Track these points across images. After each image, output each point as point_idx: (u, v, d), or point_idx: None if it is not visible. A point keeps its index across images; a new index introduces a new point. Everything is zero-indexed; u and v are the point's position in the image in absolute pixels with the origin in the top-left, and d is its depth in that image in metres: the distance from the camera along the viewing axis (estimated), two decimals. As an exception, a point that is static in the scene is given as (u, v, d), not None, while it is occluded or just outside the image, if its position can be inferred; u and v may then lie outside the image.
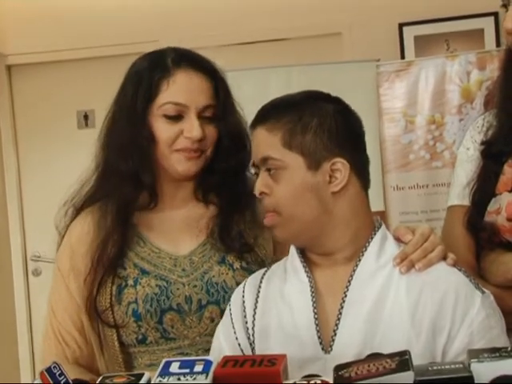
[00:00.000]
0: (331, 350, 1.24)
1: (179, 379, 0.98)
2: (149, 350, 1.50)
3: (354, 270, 1.28)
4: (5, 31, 4.18)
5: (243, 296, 1.36)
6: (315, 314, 1.27)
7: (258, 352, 1.30)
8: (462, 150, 1.58)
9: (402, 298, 1.24)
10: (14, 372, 4.10)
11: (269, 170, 1.29)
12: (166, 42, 1.59)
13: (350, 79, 3.26)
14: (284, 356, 1.03)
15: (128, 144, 1.48)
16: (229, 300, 1.44)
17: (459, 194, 1.54)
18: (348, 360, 1.04)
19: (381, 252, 1.29)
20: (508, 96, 1.49)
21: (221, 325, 1.39)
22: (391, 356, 0.98)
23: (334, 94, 1.35)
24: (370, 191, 1.34)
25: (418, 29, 3.79)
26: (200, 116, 1.48)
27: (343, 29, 3.92)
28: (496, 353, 0.96)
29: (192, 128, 1.46)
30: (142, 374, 1.02)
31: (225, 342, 1.34)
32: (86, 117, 4.22)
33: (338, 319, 1.25)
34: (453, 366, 0.95)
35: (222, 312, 1.44)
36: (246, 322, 1.33)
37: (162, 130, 1.47)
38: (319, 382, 0.97)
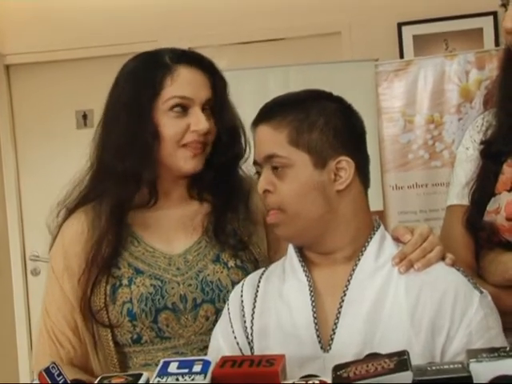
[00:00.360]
0: (330, 348, 1.24)
1: (177, 379, 0.98)
2: (144, 350, 1.49)
3: (354, 270, 1.28)
4: (4, 31, 4.18)
5: (241, 296, 1.36)
6: (314, 313, 1.27)
7: (256, 351, 1.30)
8: (462, 150, 1.58)
9: (401, 297, 1.24)
10: (13, 372, 4.10)
11: (274, 167, 1.29)
12: (165, 42, 1.59)
13: (348, 79, 3.26)
14: (282, 356, 1.03)
15: (129, 142, 1.47)
16: (224, 298, 1.44)
17: (458, 194, 1.54)
18: (347, 359, 1.04)
19: (380, 252, 1.29)
20: (507, 95, 1.49)
21: (218, 324, 1.39)
22: (390, 356, 0.98)
23: (333, 93, 1.36)
24: (369, 190, 1.35)
25: (417, 28, 3.79)
26: (202, 110, 1.49)
27: (342, 28, 3.92)
28: (495, 353, 0.96)
29: (198, 121, 1.47)
30: (141, 375, 1.02)
31: (223, 342, 1.34)
32: (84, 116, 4.22)
33: (337, 318, 1.25)
34: (452, 366, 0.95)
35: (217, 310, 1.44)
36: (245, 322, 1.33)
37: (170, 125, 1.47)
38: (317, 382, 0.97)
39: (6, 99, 4.25)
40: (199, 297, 1.48)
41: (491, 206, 1.46)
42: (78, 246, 1.51)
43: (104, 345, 1.51)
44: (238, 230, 1.52)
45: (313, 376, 1.06)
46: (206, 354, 1.40)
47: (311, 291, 1.29)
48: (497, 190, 1.46)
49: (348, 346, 1.23)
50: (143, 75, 1.49)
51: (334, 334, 1.25)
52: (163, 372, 1.00)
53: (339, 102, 1.34)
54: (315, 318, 1.26)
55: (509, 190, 1.45)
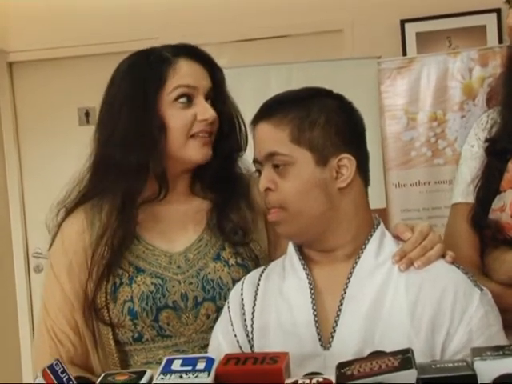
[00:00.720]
0: (330, 346, 1.24)
1: (181, 377, 0.98)
2: (145, 348, 1.49)
3: (354, 268, 1.28)
4: (7, 28, 4.18)
5: (242, 294, 1.36)
6: (314, 311, 1.27)
7: (256, 349, 1.30)
8: (466, 148, 1.58)
9: (401, 295, 1.24)
10: (16, 369, 4.10)
11: (275, 165, 1.28)
12: (166, 40, 1.59)
13: (351, 76, 3.25)
14: (286, 354, 1.03)
15: (136, 137, 1.46)
16: (225, 296, 1.44)
17: (463, 192, 1.54)
18: (347, 357, 1.04)
19: (380, 250, 1.29)
20: None
21: (219, 323, 1.39)
22: (394, 354, 0.97)
23: (335, 91, 1.36)
24: (372, 188, 1.34)
25: (420, 25, 3.78)
26: (205, 100, 1.49)
27: (345, 26, 3.91)
28: (499, 351, 0.96)
29: (205, 110, 1.47)
30: (145, 372, 1.02)
31: (223, 340, 1.34)
32: (87, 114, 4.22)
33: (338, 316, 1.25)
34: (456, 364, 0.95)
35: (218, 308, 1.44)
36: (245, 320, 1.33)
37: (176, 117, 1.47)
38: (321, 379, 0.97)
39: (8, 96, 4.25)
40: (200, 295, 1.48)
41: (496, 204, 1.46)
42: (77, 244, 1.51)
43: (105, 343, 1.51)
44: (238, 226, 1.52)
45: (316, 374, 1.05)
46: (206, 352, 1.39)
47: (311, 289, 1.29)
48: (502, 187, 1.46)
49: (348, 343, 1.23)
50: (144, 70, 1.49)
51: (335, 331, 1.25)
52: (167, 369, 1.00)
53: (340, 99, 1.34)
54: (315, 315, 1.26)
55: (513, 188, 1.45)
